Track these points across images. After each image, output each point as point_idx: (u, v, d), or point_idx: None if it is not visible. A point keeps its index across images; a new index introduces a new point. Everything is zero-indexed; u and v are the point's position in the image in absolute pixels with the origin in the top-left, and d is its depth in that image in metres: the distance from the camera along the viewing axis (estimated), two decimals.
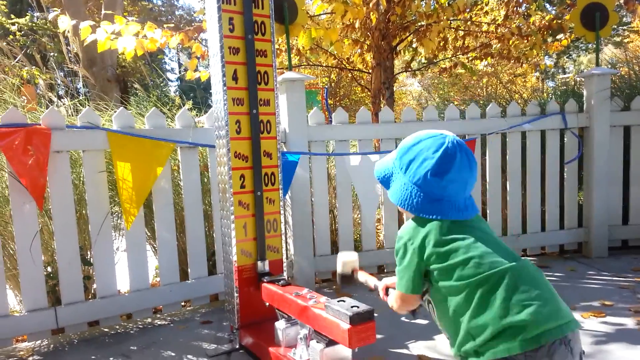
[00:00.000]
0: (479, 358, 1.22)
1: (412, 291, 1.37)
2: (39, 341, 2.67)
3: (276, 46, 3.72)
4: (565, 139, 3.88)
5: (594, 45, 3.98)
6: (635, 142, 3.88)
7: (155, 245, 3.09)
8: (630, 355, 2.25)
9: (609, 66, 5.06)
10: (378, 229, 3.89)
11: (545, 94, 5.38)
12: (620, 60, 5.43)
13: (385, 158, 1.49)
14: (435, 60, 6.13)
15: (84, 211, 2.84)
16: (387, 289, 1.72)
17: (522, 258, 1.29)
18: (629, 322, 2.60)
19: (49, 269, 2.82)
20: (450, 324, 1.31)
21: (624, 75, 4.55)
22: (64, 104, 3.15)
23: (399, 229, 3.61)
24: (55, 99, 3.42)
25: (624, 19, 13.04)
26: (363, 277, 1.58)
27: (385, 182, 1.46)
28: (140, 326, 2.85)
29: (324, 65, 6.05)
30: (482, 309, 1.22)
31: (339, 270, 1.64)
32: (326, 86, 8.40)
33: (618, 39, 14.13)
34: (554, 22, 4.98)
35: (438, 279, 1.31)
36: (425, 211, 1.35)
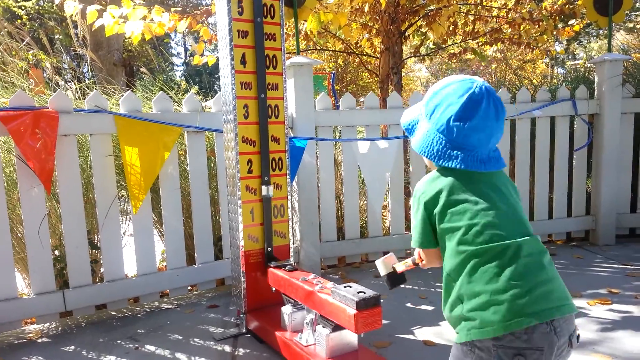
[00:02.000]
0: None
1: (423, 245, 1.34)
2: (48, 324, 2.69)
3: (284, 30, 3.69)
4: (575, 126, 3.84)
5: (605, 32, 3.92)
6: None
7: (162, 230, 3.10)
8: (637, 343, 2.24)
9: (621, 52, 4.98)
10: (384, 216, 3.89)
11: (555, 80, 5.32)
12: (633, 46, 5.34)
13: (413, 106, 1.43)
14: (444, 46, 6.06)
15: (91, 195, 2.84)
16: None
17: (531, 236, 1.26)
18: (635, 310, 2.59)
19: (57, 252, 2.84)
20: (445, 283, 1.29)
21: (636, 61, 4.48)
22: (70, 88, 3.14)
23: (405, 215, 3.63)
24: (62, 83, 3.41)
25: (637, 4, 12.81)
26: (402, 266, 1.55)
27: (411, 130, 1.40)
28: (148, 310, 2.87)
29: (332, 50, 5.99)
30: (473, 279, 1.20)
31: (382, 272, 1.60)
32: (333, 71, 8.34)
33: (630, 25, 13.89)
34: (566, 7, 4.90)
35: (442, 237, 1.29)
36: (445, 158, 1.29)
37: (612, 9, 3.68)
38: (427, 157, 1.33)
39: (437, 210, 1.28)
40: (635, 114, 3.83)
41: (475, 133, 1.27)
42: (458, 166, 1.27)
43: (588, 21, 4.32)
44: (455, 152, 1.28)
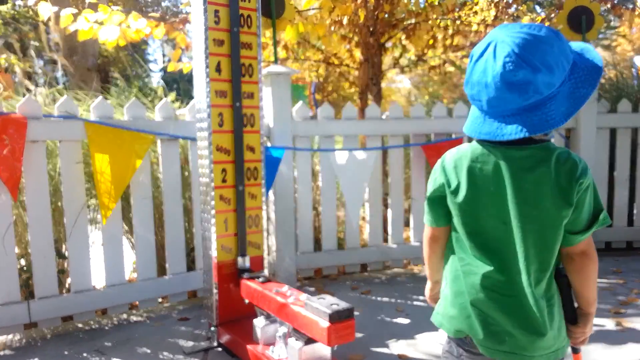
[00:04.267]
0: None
1: (429, 222, 1.26)
2: (11, 335, 2.59)
3: (262, 40, 3.67)
4: (552, 140, 3.87)
5: None
6: (620, 145, 3.89)
7: (132, 240, 3.02)
8: (610, 356, 2.24)
9: None
10: (362, 227, 3.86)
11: None
12: (609, 62, 5.44)
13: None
14: (424, 58, 6.10)
15: (59, 203, 2.76)
16: None
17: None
18: (608, 323, 2.59)
19: (23, 261, 2.75)
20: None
21: (611, 77, 4.56)
22: (41, 93, 3.06)
23: (383, 227, 3.61)
24: (32, 88, 3.32)
25: (612, 22, 13.16)
26: None
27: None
28: (116, 322, 2.78)
29: (311, 60, 5.99)
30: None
31: None
32: (314, 81, 8.34)
33: (606, 42, 14.26)
34: (544, 23, 4.98)
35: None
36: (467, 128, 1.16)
37: (586, 27, 3.75)
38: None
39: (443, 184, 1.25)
40: (610, 129, 3.88)
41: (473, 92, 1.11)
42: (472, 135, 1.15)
43: None
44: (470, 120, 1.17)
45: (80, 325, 2.73)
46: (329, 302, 1.72)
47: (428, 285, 1.39)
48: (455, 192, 1.16)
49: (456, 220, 1.18)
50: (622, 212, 3.92)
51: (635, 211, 3.94)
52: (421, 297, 1.40)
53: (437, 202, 1.22)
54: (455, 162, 1.17)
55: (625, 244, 3.97)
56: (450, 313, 1.20)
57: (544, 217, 1.10)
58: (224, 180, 2.34)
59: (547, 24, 5.10)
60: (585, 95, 1.08)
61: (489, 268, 1.13)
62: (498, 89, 1.05)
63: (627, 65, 5.10)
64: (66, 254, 2.74)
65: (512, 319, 1.13)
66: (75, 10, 3.47)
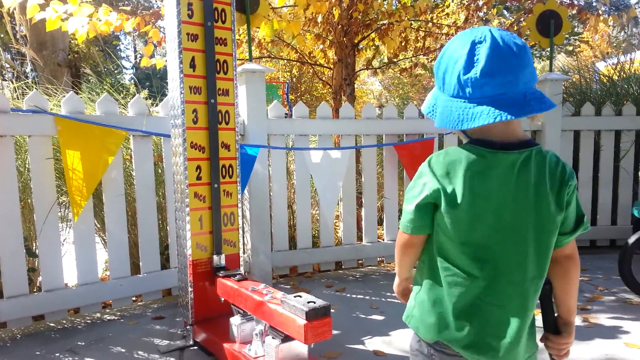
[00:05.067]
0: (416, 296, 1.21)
1: (411, 230, 1.17)
2: None
3: (237, 36, 3.64)
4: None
5: (547, 53, 4.10)
6: (584, 147, 4.02)
7: (105, 238, 2.97)
8: (577, 351, 2.31)
9: (562, 73, 5.23)
10: (336, 226, 3.89)
11: None
12: (573, 67, 5.62)
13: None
14: (395, 60, 6.17)
15: (29, 200, 2.69)
16: None
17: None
18: (576, 320, 2.67)
19: None
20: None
21: (575, 82, 4.71)
22: (8, 87, 2.97)
23: (357, 226, 3.64)
24: None
25: (576, 29, 13.55)
26: None
27: (433, 113, 1.15)
28: (89, 321, 2.73)
29: (286, 58, 5.99)
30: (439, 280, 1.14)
31: None
32: (287, 81, 8.34)
33: (570, 48, 14.68)
34: (513, 27, 5.10)
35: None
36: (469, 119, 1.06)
37: (553, 31, 3.86)
38: (450, 127, 1.10)
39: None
40: (574, 131, 4.01)
41: (494, 78, 1.04)
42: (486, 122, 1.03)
43: (532, 43, 4.51)
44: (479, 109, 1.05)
45: (52, 324, 2.67)
46: (305, 300, 1.73)
47: (396, 281, 1.35)
48: (451, 199, 1.09)
49: (447, 229, 1.11)
50: (585, 212, 4.03)
51: (598, 210, 4.08)
52: (394, 295, 1.39)
53: (426, 209, 1.14)
54: (447, 168, 1.10)
55: (589, 243, 4.10)
56: (427, 320, 1.16)
57: (542, 222, 1.09)
58: (198, 178, 2.32)
59: (515, 28, 5.23)
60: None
61: (478, 278, 1.10)
62: (529, 61, 1.06)
63: (589, 71, 5.26)
64: (36, 251, 2.68)
65: (497, 330, 1.10)
66: (42, 1, 3.37)
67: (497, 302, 1.10)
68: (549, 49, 3.97)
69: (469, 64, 1.05)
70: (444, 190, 1.09)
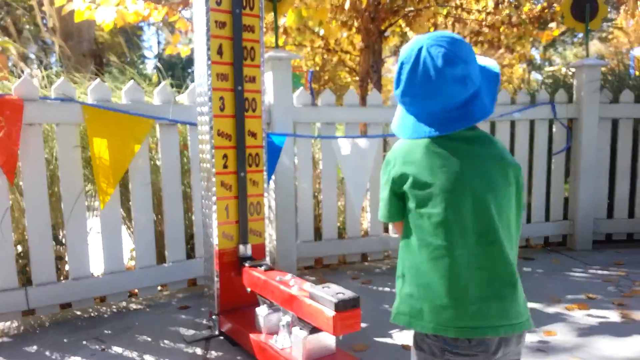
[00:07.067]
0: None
1: (395, 218, 1.28)
2: (9, 322, 2.55)
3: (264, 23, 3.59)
4: (553, 130, 3.85)
5: (580, 40, 3.97)
6: (622, 136, 3.86)
7: (131, 227, 2.97)
8: (614, 348, 2.22)
9: (599, 59, 5.04)
10: (362, 217, 3.82)
11: (534, 83, 5.35)
12: (607, 55, 5.42)
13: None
14: None
15: (56, 188, 2.70)
16: None
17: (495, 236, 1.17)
18: (613, 315, 2.58)
19: (20, 248, 2.69)
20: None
21: (613, 68, 4.53)
22: (37, 76, 2.99)
23: None
24: (28, 70, 3.25)
25: (609, 15, 13.14)
26: None
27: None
28: (115, 310, 2.74)
29: (311, 46, 5.92)
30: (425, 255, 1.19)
31: None
32: (311, 69, 8.28)
33: (603, 35, 14.25)
34: (545, 12, 4.94)
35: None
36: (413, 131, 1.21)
37: (589, 16, 3.71)
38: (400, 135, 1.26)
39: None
40: (613, 119, 3.85)
41: (413, 99, 1.20)
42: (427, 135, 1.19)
43: (565, 28, 4.36)
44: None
45: (78, 312, 2.69)
46: (334, 291, 1.68)
47: None
48: (419, 181, 1.18)
49: (423, 210, 1.18)
50: (623, 203, 3.90)
51: (636, 203, 3.92)
52: None
53: (398, 196, 1.24)
54: (407, 155, 1.21)
55: (625, 236, 3.95)
56: (425, 308, 1.18)
57: (509, 186, 1.21)
58: (225, 166, 2.29)
59: (547, 12, 5.07)
60: (496, 90, 1.23)
61: (462, 246, 1.15)
62: (445, 85, 1.15)
63: (625, 57, 5.08)
64: (64, 240, 2.69)
65: (491, 290, 1.15)
66: None
67: (485, 264, 1.16)
68: (581, 35, 3.82)
69: (397, 82, 1.21)
70: (413, 175, 1.20)
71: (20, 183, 2.54)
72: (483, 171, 1.18)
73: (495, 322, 1.14)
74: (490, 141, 1.24)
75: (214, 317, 2.37)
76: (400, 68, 1.19)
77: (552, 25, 5.35)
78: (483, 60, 1.25)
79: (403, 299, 1.24)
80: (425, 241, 1.18)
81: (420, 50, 1.16)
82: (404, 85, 1.19)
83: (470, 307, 1.14)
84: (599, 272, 3.30)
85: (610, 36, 14.11)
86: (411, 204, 1.20)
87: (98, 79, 2.69)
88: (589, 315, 2.59)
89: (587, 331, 2.40)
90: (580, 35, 3.92)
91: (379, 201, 1.32)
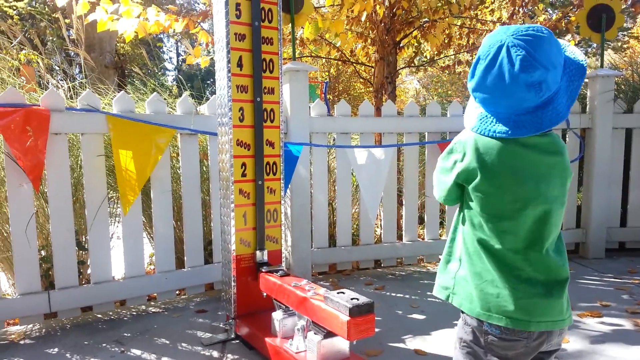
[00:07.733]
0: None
1: (452, 202, 1.35)
2: (31, 325, 2.63)
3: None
4: (567, 139, 3.87)
5: (594, 50, 3.97)
6: (636, 145, 3.87)
7: (151, 233, 3.06)
8: (627, 355, 2.23)
9: (612, 69, 5.04)
10: (375, 224, 3.87)
11: None
12: (621, 65, 5.41)
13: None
14: (437, 58, 6.09)
15: (80, 195, 2.80)
16: None
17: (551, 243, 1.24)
18: (626, 323, 2.59)
19: (43, 252, 2.78)
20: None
21: (627, 78, 4.53)
22: (62, 87, 3.09)
23: (397, 224, 3.62)
24: (53, 81, 3.36)
25: (625, 24, 13.05)
26: None
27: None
28: (134, 313, 2.82)
29: (327, 57, 6.00)
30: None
31: None
32: (326, 80, 8.35)
33: (618, 44, 14.13)
34: (561, 22, 4.96)
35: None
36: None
37: (605, 26, 3.73)
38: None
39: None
40: (626, 129, 3.86)
41: (484, 94, 1.21)
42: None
43: (579, 38, 4.37)
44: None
45: (99, 315, 2.77)
46: (348, 297, 1.73)
47: None
48: (486, 183, 1.21)
49: (481, 203, 1.23)
50: (637, 212, 3.90)
51: None
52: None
53: (459, 184, 1.28)
54: (481, 153, 1.21)
55: (639, 245, 3.95)
56: (474, 294, 1.25)
57: (563, 196, 1.24)
58: (243, 175, 2.36)
59: (563, 23, 5.08)
60: (578, 87, 1.19)
61: (517, 250, 1.21)
62: (518, 90, 1.13)
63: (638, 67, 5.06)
64: (86, 245, 2.77)
65: (539, 288, 1.20)
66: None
67: (534, 261, 1.22)
68: (596, 45, 3.84)
69: (471, 74, 1.21)
70: (482, 168, 1.23)
71: (46, 190, 2.63)
72: (552, 184, 1.20)
73: (539, 317, 1.19)
74: (561, 150, 1.23)
75: (230, 321, 2.43)
76: (477, 62, 1.18)
77: (568, 36, 5.36)
78: (571, 51, 1.21)
79: (457, 280, 1.30)
80: (482, 238, 1.24)
81: (500, 48, 1.14)
82: (476, 82, 1.20)
83: (518, 301, 1.19)
84: (612, 280, 3.30)
85: (625, 45, 14.02)
86: (474, 205, 1.24)
87: (122, 91, 2.78)
88: (602, 323, 2.60)
89: (600, 339, 2.41)
90: (595, 45, 3.95)
91: (437, 183, 1.36)
